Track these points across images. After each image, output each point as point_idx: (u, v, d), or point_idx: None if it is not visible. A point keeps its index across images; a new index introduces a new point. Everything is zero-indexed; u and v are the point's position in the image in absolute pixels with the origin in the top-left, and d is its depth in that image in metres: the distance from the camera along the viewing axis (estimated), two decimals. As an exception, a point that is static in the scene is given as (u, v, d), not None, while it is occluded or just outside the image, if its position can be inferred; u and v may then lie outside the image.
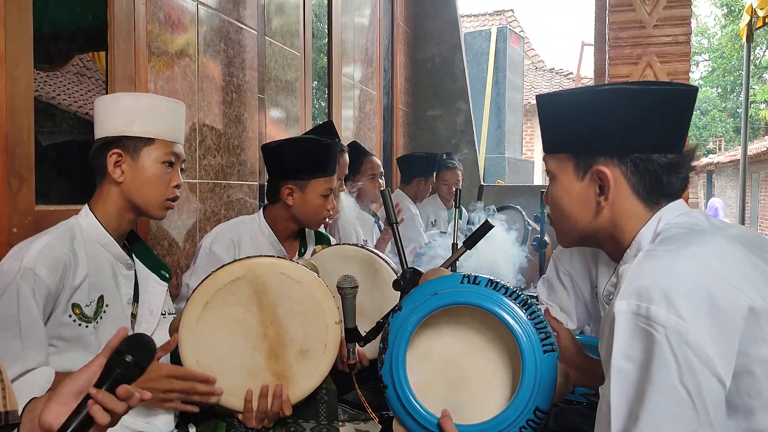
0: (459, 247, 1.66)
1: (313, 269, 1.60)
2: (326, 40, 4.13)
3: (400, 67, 5.35)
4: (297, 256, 2.20)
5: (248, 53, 2.86)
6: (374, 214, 3.43)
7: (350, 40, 4.29)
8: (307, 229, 2.24)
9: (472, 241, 1.65)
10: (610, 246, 1.19)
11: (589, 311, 1.89)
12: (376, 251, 2.00)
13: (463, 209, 4.25)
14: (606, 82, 2.83)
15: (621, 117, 1.10)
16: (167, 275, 1.70)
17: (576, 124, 1.15)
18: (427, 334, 1.41)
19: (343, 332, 1.56)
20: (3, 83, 1.55)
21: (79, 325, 1.44)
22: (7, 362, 1.30)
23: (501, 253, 2.09)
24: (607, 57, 2.77)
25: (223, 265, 1.53)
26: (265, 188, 2.22)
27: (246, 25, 2.83)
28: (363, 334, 1.57)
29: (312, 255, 2.07)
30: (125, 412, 0.94)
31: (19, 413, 0.94)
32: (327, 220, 2.18)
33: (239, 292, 1.50)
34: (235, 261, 1.54)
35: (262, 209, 2.21)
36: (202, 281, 1.50)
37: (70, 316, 1.43)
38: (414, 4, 5.70)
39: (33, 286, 1.34)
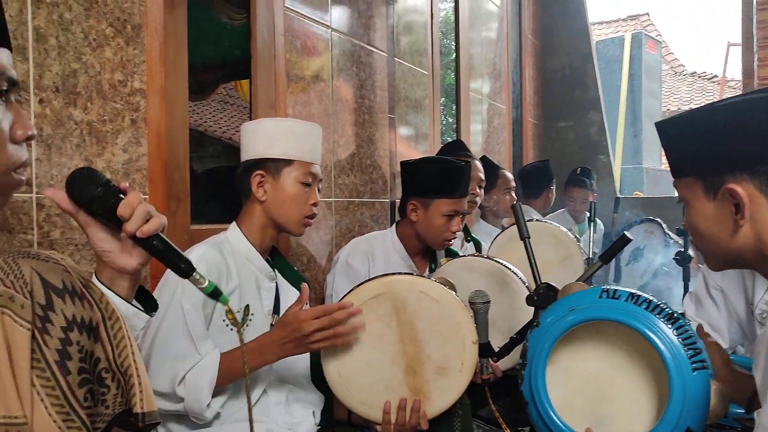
0: (595, 261, 1.62)
1: (451, 288, 1.61)
2: (453, 56, 4.17)
3: (528, 80, 5.28)
4: (427, 272, 2.23)
5: (378, 75, 2.95)
6: (504, 228, 3.39)
7: (478, 54, 4.30)
8: None
9: (609, 255, 1.60)
10: (761, 265, 1.12)
11: (744, 330, 1.77)
12: (503, 262, 1.99)
13: (599, 222, 4.10)
14: (755, 84, 2.64)
15: (743, 131, 1.04)
16: None
17: (697, 145, 1.10)
18: (567, 350, 1.38)
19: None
20: (163, 115, 1.71)
21: (231, 329, 1.57)
22: (182, 359, 1.45)
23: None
24: (756, 58, 2.59)
25: (363, 282, 1.59)
26: (398, 204, 2.28)
27: (376, 48, 2.93)
28: (494, 347, 1.57)
29: (438, 267, 2.10)
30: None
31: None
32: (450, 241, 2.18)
33: (379, 309, 1.54)
34: (375, 278, 1.59)
35: (394, 225, 2.28)
36: (345, 296, 1.56)
37: (223, 320, 1.55)
38: (542, 15, 5.61)
39: (193, 292, 1.47)
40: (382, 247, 2.21)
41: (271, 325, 1.69)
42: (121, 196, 0.96)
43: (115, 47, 1.58)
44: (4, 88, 0.87)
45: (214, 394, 1.48)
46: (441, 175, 2.11)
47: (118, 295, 1.01)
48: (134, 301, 1.05)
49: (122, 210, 0.95)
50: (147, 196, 1.66)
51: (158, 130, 1.69)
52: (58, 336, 0.90)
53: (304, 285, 1.54)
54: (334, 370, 1.54)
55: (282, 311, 1.72)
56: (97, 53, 1.53)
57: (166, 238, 1.00)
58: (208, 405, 1.47)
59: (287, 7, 2.30)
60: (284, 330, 1.47)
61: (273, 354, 1.50)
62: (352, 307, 1.50)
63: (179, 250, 1.01)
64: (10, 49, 0.90)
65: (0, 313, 0.87)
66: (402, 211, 2.21)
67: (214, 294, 1.03)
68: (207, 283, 1.02)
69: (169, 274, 1.53)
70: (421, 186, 2.13)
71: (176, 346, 1.47)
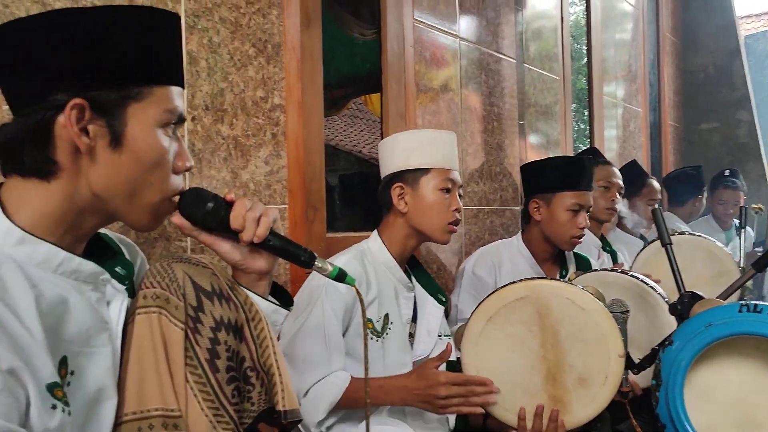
0: (747, 269, 1.50)
1: (600, 297, 1.56)
2: (585, 60, 4.03)
3: (667, 81, 5.00)
4: (558, 278, 2.17)
5: (507, 81, 2.92)
6: (642, 237, 3.22)
7: (611, 57, 4.14)
8: (566, 252, 2.20)
9: (762, 264, 1.48)
10: None
11: None
12: (640, 276, 1.89)
13: (749, 229, 3.79)
14: None
15: None
16: (444, 299, 1.80)
17: None
18: (705, 369, 1.30)
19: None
20: (301, 128, 1.80)
21: (371, 338, 1.60)
22: (313, 367, 1.50)
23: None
24: None
25: (508, 284, 1.57)
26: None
27: (505, 55, 2.90)
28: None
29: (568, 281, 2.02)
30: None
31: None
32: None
33: (522, 312, 1.52)
34: (520, 280, 1.56)
35: (520, 232, 2.24)
36: (488, 296, 1.55)
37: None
38: (682, 11, 5.30)
39: (334, 299, 1.53)
40: (508, 255, 2.18)
41: (410, 333, 1.71)
42: (230, 206, 1.01)
43: (257, 66, 1.68)
44: (174, 122, 0.95)
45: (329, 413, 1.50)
46: (562, 169, 2.07)
47: (257, 295, 1.07)
48: (270, 297, 1.10)
49: (234, 223, 1.00)
50: (286, 206, 1.75)
51: (296, 142, 1.78)
52: (208, 336, 0.97)
53: (450, 343, 1.55)
54: (472, 368, 1.53)
55: (420, 321, 1.74)
56: (241, 72, 1.64)
57: (281, 234, 1.04)
58: (320, 422, 1.49)
59: (416, 19, 2.34)
60: (419, 382, 1.47)
61: (399, 399, 1.51)
62: (492, 385, 1.48)
63: (296, 243, 1.05)
64: (183, 87, 0.99)
65: (158, 313, 0.95)
66: (525, 214, 2.17)
67: (340, 276, 1.06)
68: (331, 267, 1.06)
69: (311, 280, 1.59)
70: (543, 183, 2.09)
71: (310, 352, 1.51)
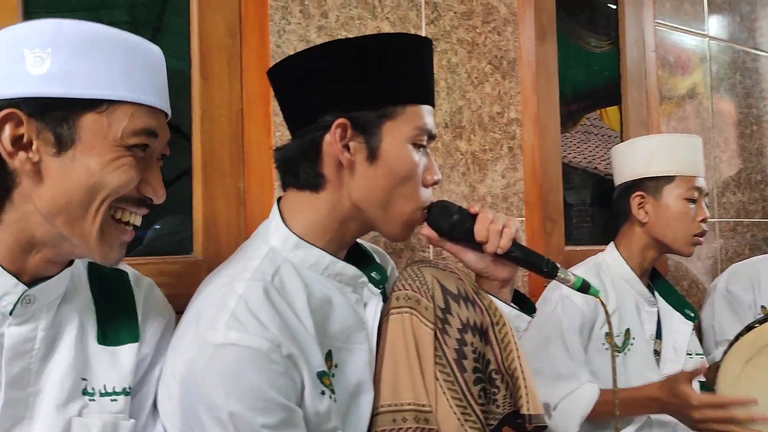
0: None
1: None
2: None
3: None
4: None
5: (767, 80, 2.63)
6: None
7: None
8: None
9: None
10: None
11: None
12: None
13: None
14: None
15: None
16: (692, 315, 1.67)
17: None
18: None
19: None
20: (537, 140, 1.80)
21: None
22: (562, 380, 1.48)
23: None
24: None
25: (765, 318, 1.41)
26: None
27: (764, 51, 2.62)
28: None
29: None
30: None
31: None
32: None
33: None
34: None
35: None
36: (744, 334, 1.40)
37: (603, 343, 1.53)
38: None
39: (571, 313, 1.50)
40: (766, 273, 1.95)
41: (655, 350, 1.62)
42: (474, 218, 1.05)
43: (493, 82, 1.73)
44: (424, 141, 1.02)
45: None
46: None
47: (500, 300, 1.10)
48: (512, 304, 1.12)
49: (479, 235, 1.04)
50: (523, 218, 1.76)
51: (533, 155, 1.79)
52: (455, 336, 1.01)
53: (703, 362, 1.44)
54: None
55: (665, 337, 1.63)
56: (478, 90, 1.70)
57: (523, 245, 1.06)
58: None
59: (658, 23, 2.22)
60: (671, 398, 1.39)
61: (650, 410, 1.45)
62: (755, 411, 1.32)
63: (539, 253, 1.06)
64: (434, 106, 1.06)
65: (409, 314, 1.03)
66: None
67: (584, 287, 1.05)
68: (574, 278, 1.04)
69: (547, 293, 1.58)
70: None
71: (557, 364, 1.49)
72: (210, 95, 1.32)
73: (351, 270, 1.02)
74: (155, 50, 0.87)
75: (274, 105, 1.33)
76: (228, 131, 1.34)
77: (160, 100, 0.85)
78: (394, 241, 1.19)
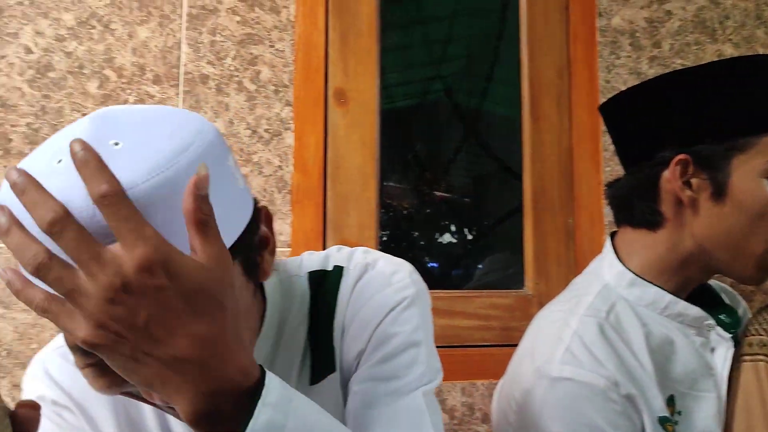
0: None
1: None
2: None
3: None
4: None
5: None
6: None
7: None
8: None
9: None
10: None
11: None
12: None
13: None
14: None
15: None
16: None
17: None
18: None
19: None
20: None
21: None
22: None
23: None
24: None
25: None
26: None
27: None
28: None
29: None
30: None
31: None
32: None
33: None
34: None
35: None
36: None
37: None
38: None
39: None
40: None
41: None
42: None
43: None
44: None
45: None
46: None
47: None
48: None
49: None
50: None
51: None
52: None
53: None
54: None
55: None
56: None
57: None
58: None
59: None
60: None
61: None
62: None
63: None
64: None
65: (765, 362, 0.92)
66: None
67: None
68: None
69: None
70: None
71: None
72: (540, 135, 1.37)
73: (694, 311, 0.96)
74: None
75: (604, 140, 1.33)
76: (557, 168, 1.37)
77: None
78: (746, 284, 1.08)
